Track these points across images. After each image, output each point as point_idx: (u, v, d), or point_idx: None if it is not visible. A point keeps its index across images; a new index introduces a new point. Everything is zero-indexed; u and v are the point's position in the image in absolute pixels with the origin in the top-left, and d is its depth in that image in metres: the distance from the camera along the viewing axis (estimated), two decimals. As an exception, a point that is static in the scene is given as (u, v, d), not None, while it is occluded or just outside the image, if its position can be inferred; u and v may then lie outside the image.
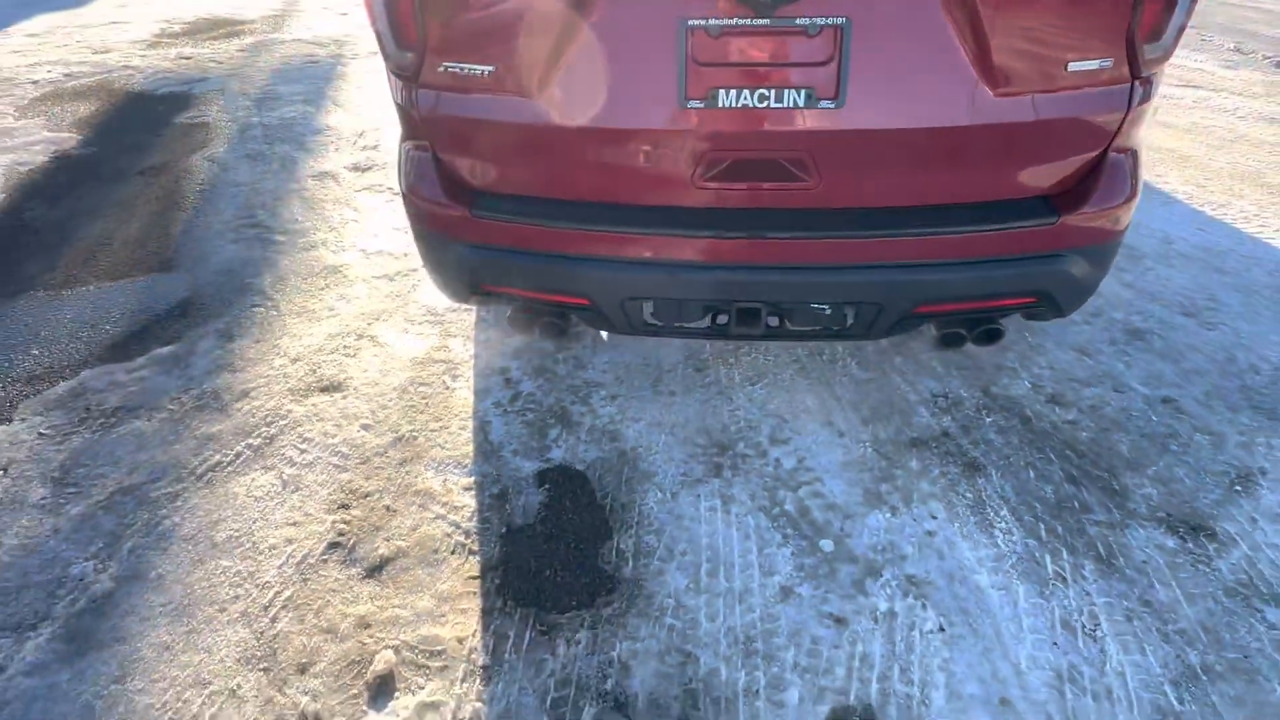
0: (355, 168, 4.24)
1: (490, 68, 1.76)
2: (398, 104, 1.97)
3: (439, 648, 1.78)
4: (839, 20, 1.60)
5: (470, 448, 2.34)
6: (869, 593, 1.88)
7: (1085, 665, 1.70)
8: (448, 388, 2.58)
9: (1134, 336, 2.77)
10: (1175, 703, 1.63)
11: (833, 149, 1.73)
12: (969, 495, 2.13)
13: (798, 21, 1.60)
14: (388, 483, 2.22)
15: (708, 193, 1.82)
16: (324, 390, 2.58)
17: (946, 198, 1.82)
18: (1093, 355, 2.67)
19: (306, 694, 1.69)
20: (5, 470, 2.27)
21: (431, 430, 2.41)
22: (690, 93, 1.68)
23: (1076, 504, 2.10)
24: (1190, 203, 3.74)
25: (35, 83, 5.51)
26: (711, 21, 1.62)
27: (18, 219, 3.68)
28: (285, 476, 2.24)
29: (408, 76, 1.86)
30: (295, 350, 2.77)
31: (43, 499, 2.17)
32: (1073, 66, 1.67)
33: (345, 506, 2.14)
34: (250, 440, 2.37)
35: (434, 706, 1.66)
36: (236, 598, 1.90)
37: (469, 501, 2.15)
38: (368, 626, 1.83)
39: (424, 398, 2.54)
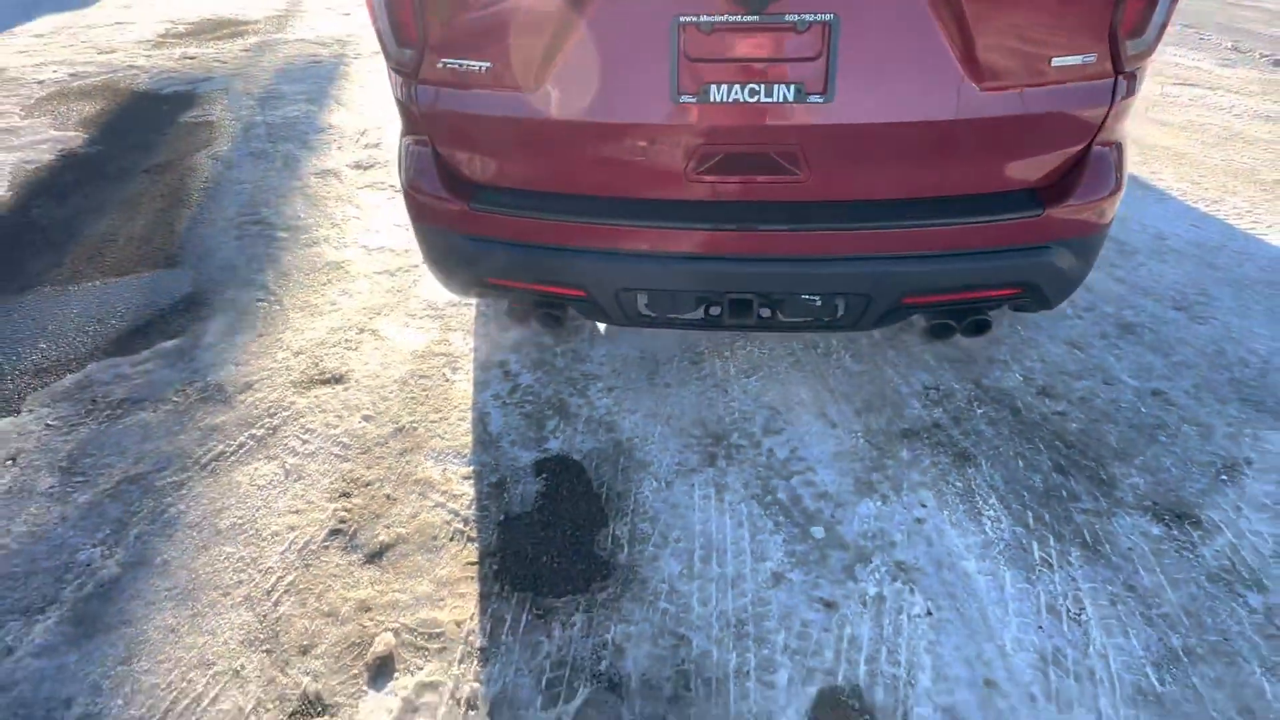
0: (357, 165, 4.29)
1: (487, 64, 1.81)
2: (398, 100, 2.01)
3: (438, 630, 1.82)
4: (827, 17, 1.63)
5: (469, 438, 2.38)
6: (858, 578, 1.91)
7: (1069, 648, 1.74)
8: (448, 380, 2.63)
9: (1125, 330, 2.80)
10: (1156, 684, 1.67)
11: (822, 143, 1.77)
12: (959, 484, 2.17)
13: (787, 18, 1.64)
14: (388, 472, 2.26)
15: (700, 186, 1.86)
16: (326, 382, 2.62)
17: (934, 191, 1.86)
18: (1084, 349, 2.71)
19: (308, 674, 1.73)
20: (14, 460, 2.32)
21: (431, 421, 2.45)
22: (682, 88, 1.72)
23: (1064, 493, 2.14)
24: (1184, 199, 3.77)
25: (41, 83, 5.56)
26: (703, 18, 1.66)
27: (25, 216, 3.73)
28: (288, 466, 2.29)
29: (407, 73, 1.90)
30: (298, 344, 2.81)
31: (51, 488, 2.22)
32: (1057, 62, 1.71)
33: (346, 495, 2.18)
34: (253, 431, 2.42)
35: (432, 686, 1.70)
36: (240, 582, 1.95)
37: (468, 490, 2.20)
38: (368, 610, 1.87)
39: (424, 390, 2.58)
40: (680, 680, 1.70)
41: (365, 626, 1.83)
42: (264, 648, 1.79)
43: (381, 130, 4.73)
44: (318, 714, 1.66)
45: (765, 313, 2.01)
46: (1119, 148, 1.91)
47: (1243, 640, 1.75)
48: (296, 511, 2.13)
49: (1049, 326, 2.82)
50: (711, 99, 1.73)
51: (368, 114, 5.02)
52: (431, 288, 3.10)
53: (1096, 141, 1.85)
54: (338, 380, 2.63)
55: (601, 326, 2.85)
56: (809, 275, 1.91)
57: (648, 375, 2.62)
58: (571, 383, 2.59)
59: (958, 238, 1.86)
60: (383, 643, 1.79)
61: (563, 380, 2.60)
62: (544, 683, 1.71)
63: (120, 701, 1.68)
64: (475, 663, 1.75)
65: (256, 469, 2.28)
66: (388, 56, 1.91)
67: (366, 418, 2.47)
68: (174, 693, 1.70)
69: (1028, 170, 1.87)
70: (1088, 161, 1.86)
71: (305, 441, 2.37)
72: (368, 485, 2.22)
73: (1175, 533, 2.01)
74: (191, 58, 6.19)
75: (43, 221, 3.68)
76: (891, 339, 2.75)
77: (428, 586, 1.93)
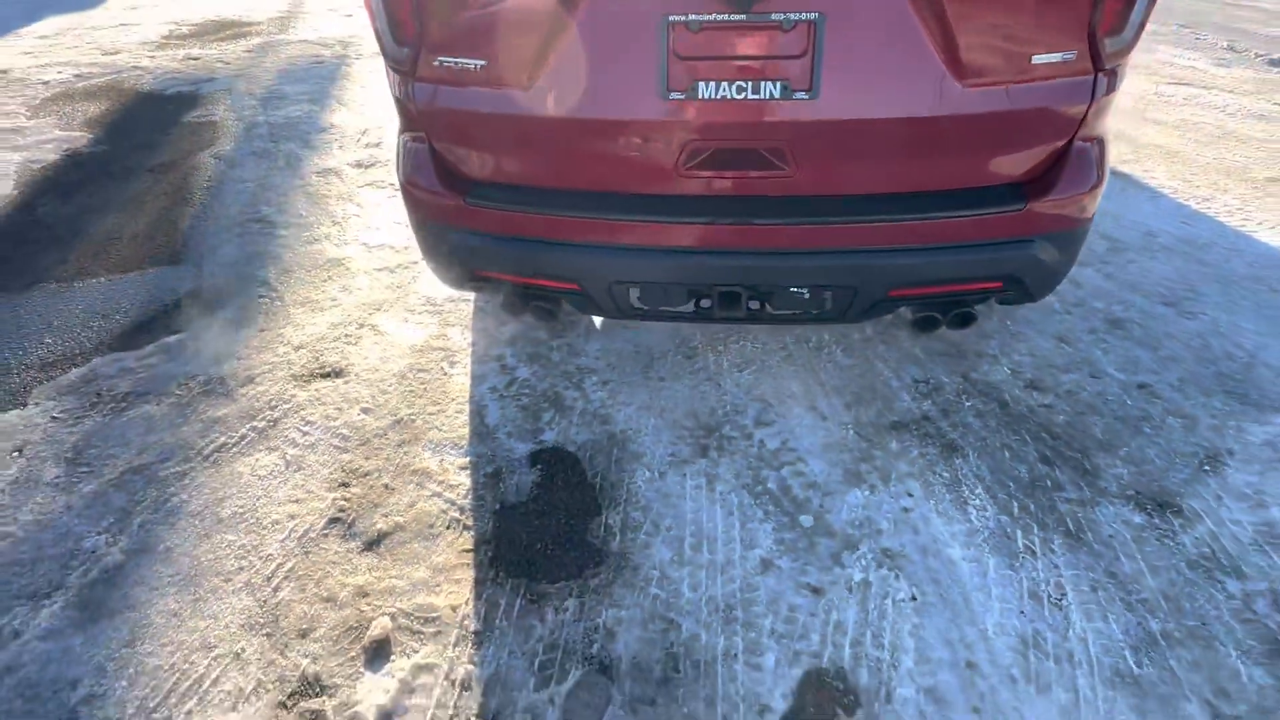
0: (358, 164, 4.34)
1: (482, 62, 1.85)
2: (396, 98, 2.06)
3: (433, 615, 1.86)
4: (812, 16, 1.68)
5: (466, 430, 2.42)
6: (845, 564, 1.96)
7: (1049, 631, 1.78)
8: (445, 374, 2.67)
9: (1114, 325, 2.84)
10: (1134, 666, 1.71)
11: (808, 138, 1.82)
12: (945, 474, 2.21)
13: (773, 16, 1.68)
14: (386, 462, 2.31)
15: (690, 181, 1.90)
16: (326, 376, 2.67)
17: (918, 185, 1.91)
18: (1072, 343, 2.75)
19: (307, 657, 1.78)
20: (21, 451, 2.37)
21: (429, 414, 2.49)
22: (672, 85, 1.77)
23: (1049, 482, 2.18)
24: (1176, 197, 3.81)
25: (46, 83, 5.63)
26: (691, 17, 1.70)
27: (31, 214, 3.79)
28: (288, 457, 2.33)
29: (405, 71, 1.95)
30: (299, 338, 2.86)
31: (56, 478, 2.27)
32: (1037, 59, 1.75)
33: (345, 485, 2.23)
34: (255, 423, 2.46)
35: (428, 668, 1.75)
36: (241, 569, 1.99)
37: (464, 480, 2.24)
38: (366, 595, 1.92)
39: (422, 383, 2.63)
40: (670, 663, 1.75)
41: (363, 611, 1.88)
42: (264, 631, 1.84)
43: (382, 130, 4.78)
44: (316, 694, 1.70)
45: (754, 305, 2.05)
46: (1100, 143, 1.95)
47: (1220, 625, 1.79)
48: (296, 501, 2.18)
49: (1038, 321, 2.86)
50: (700, 96, 1.77)
51: (369, 114, 5.07)
52: (430, 284, 3.15)
53: (1078, 137, 1.89)
54: (338, 374, 2.68)
55: (597, 321, 2.90)
56: (796, 268, 1.95)
57: (642, 369, 2.66)
58: (567, 376, 2.64)
59: (942, 231, 1.90)
60: (380, 627, 1.84)
61: (559, 374, 2.65)
62: (537, 665, 1.75)
63: (124, 683, 1.73)
64: (470, 646, 1.79)
65: (257, 460, 2.32)
66: (385, 55, 1.96)
67: (365, 410, 2.51)
68: (176, 674, 1.75)
69: (1010, 165, 1.91)
70: (1069, 157, 1.90)
71: (305, 433, 2.42)
72: (366, 475, 2.26)
73: (1157, 521, 2.05)
74: (195, 58, 6.26)
75: (48, 219, 3.74)
76: (883, 334, 2.80)
77: (424, 573, 1.97)
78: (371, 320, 2.97)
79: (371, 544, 2.05)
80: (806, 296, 2.01)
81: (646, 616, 1.85)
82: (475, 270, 2.16)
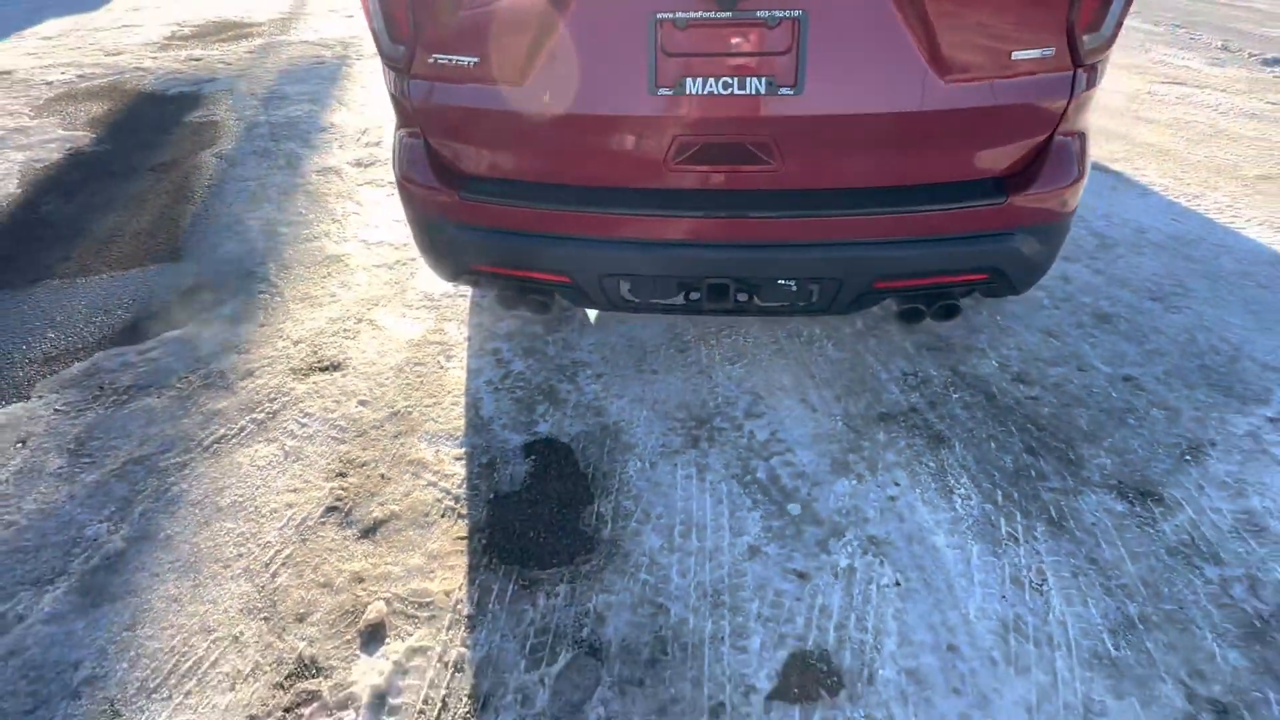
0: (358, 163, 4.39)
1: (476, 59, 1.90)
2: (392, 94, 2.10)
3: (428, 599, 1.91)
4: (796, 13, 1.72)
5: (462, 422, 2.47)
6: (831, 551, 2.00)
7: (1030, 615, 1.82)
8: (442, 367, 2.71)
9: (1101, 320, 2.88)
10: (1112, 649, 1.74)
11: (793, 133, 1.86)
12: (932, 464, 2.25)
13: (758, 14, 1.73)
14: (383, 453, 2.35)
15: (678, 175, 1.94)
16: (325, 370, 2.71)
17: (901, 179, 1.95)
18: (1059, 337, 2.79)
19: (304, 640, 1.82)
20: (24, 442, 2.41)
21: (426, 406, 2.54)
22: (660, 81, 1.81)
23: (1034, 472, 2.22)
24: (1166, 194, 3.85)
25: (50, 84, 5.68)
26: (679, 15, 1.75)
27: (34, 213, 3.84)
28: (287, 448, 2.38)
29: (400, 68, 1.99)
30: (298, 333, 2.91)
31: (59, 468, 2.31)
32: (1016, 55, 1.79)
33: (342, 475, 2.27)
34: (254, 415, 2.51)
35: (422, 651, 1.79)
36: (240, 556, 2.03)
37: (459, 470, 2.28)
38: (361, 581, 1.96)
39: (419, 376, 2.67)
40: (658, 645, 1.79)
41: (359, 596, 1.92)
42: (262, 615, 1.88)
43: (382, 129, 4.83)
44: (312, 676, 1.74)
45: (742, 297, 2.09)
46: (1081, 138, 1.99)
47: (1196, 609, 1.83)
48: (294, 490, 2.22)
49: (1026, 316, 2.90)
50: (688, 92, 1.81)
51: (368, 113, 5.12)
52: (428, 280, 3.20)
53: (1058, 132, 1.93)
54: (336, 368, 2.72)
55: (591, 315, 2.94)
56: (783, 261, 1.99)
57: (635, 362, 2.70)
58: (561, 369, 2.68)
59: (925, 224, 1.94)
60: (375, 611, 1.88)
61: (553, 367, 2.69)
62: (528, 648, 1.79)
63: (125, 665, 1.77)
64: (463, 629, 1.83)
65: (257, 450, 2.37)
66: (381, 53, 2.00)
67: (363, 403, 2.56)
68: (176, 656, 1.79)
69: (992, 160, 1.95)
70: (1050, 151, 1.94)
71: (304, 425, 2.46)
72: (363, 466, 2.31)
73: (1138, 509, 2.09)
74: (197, 59, 6.31)
75: (52, 217, 3.79)
76: (873, 328, 2.84)
77: (419, 559, 2.01)
78: (370, 315, 3.01)
79: (368, 532, 2.09)
80: (794, 288, 2.05)
81: (636, 601, 1.89)
82: (469, 264, 2.21)
